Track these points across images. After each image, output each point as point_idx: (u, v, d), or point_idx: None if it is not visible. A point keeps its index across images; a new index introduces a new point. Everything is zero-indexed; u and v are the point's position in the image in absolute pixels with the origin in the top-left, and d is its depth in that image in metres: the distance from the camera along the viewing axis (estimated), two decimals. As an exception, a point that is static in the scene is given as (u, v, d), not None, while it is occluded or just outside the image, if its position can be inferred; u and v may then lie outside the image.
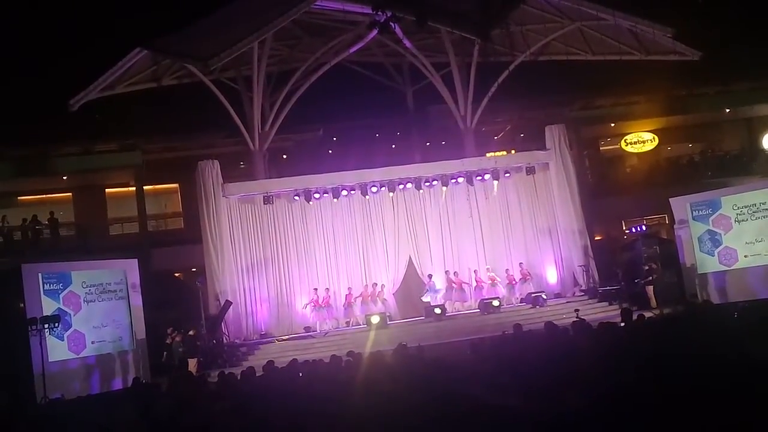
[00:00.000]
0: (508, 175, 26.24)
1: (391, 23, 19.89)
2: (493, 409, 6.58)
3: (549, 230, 26.54)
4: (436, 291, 25.06)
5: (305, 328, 24.51)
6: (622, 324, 12.39)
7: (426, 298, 25.03)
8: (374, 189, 25.47)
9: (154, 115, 28.81)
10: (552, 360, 8.59)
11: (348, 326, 24.75)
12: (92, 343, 20.10)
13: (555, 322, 13.08)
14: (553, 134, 26.66)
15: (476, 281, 25.49)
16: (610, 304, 23.64)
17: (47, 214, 28.96)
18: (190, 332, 21.16)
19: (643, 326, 12.32)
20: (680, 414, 5.85)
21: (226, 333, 23.73)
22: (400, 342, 12.99)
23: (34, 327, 18.39)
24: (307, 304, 24.65)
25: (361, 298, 24.79)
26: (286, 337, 24.07)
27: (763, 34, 29.51)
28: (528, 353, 9.79)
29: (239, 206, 25.35)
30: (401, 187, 25.67)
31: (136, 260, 22.13)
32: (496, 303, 24.07)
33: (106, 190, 31.49)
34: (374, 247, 25.80)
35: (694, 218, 23.58)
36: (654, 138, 33.64)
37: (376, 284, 25.13)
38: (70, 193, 31.28)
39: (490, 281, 25.32)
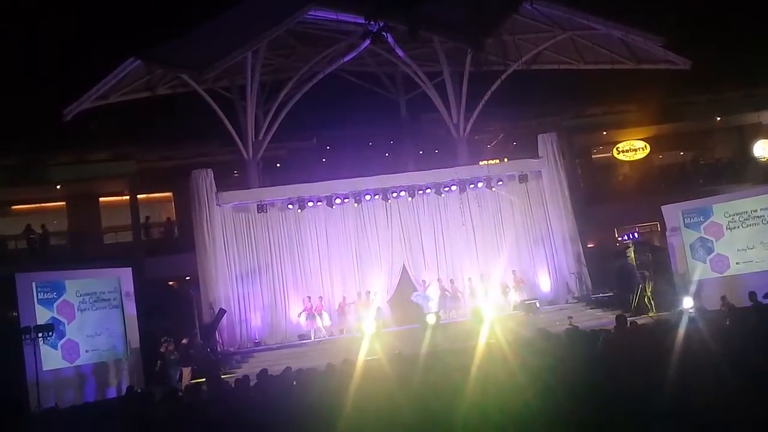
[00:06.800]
0: (501, 183, 26.36)
1: (383, 33, 19.92)
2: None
3: (542, 238, 26.63)
4: (427, 298, 25.08)
5: (299, 336, 24.54)
6: (615, 330, 12.47)
7: (415, 299, 25.07)
8: (368, 197, 25.54)
9: (147, 124, 28.87)
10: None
11: (342, 334, 24.77)
12: (86, 351, 20.13)
13: (548, 329, 13.15)
14: (546, 142, 26.79)
15: (470, 288, 25.53)
16: (604, 311, 23.71)
17: (41, 223, 28.92)
18: (184, 341, 21.15)
19: (638, 332, 12.41)
20: (677, 421, 5.91)
21: (220, 341, 23.73)
22: (395, 350, 13.03)
23: (27, 336, 18.41)
24: (301, 312, 24.68)
25: (354, 305, 24.83)
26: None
27: (753, 43, 29.75)
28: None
29: (233, 215, 25.36)
30: (395, 195, 25.72)
31: (130, 269, 22.16)
32: (489, 310, 24.04)
33: (100, 198, 31.40)
34: (368, 255, 25.85)
35: (686, 226, 23.75)
36: (646, 146, 33.84)
37: (370, 292, 25.18)
38: (64, 202, 31.19)
39: (484, 288, 25.36)
